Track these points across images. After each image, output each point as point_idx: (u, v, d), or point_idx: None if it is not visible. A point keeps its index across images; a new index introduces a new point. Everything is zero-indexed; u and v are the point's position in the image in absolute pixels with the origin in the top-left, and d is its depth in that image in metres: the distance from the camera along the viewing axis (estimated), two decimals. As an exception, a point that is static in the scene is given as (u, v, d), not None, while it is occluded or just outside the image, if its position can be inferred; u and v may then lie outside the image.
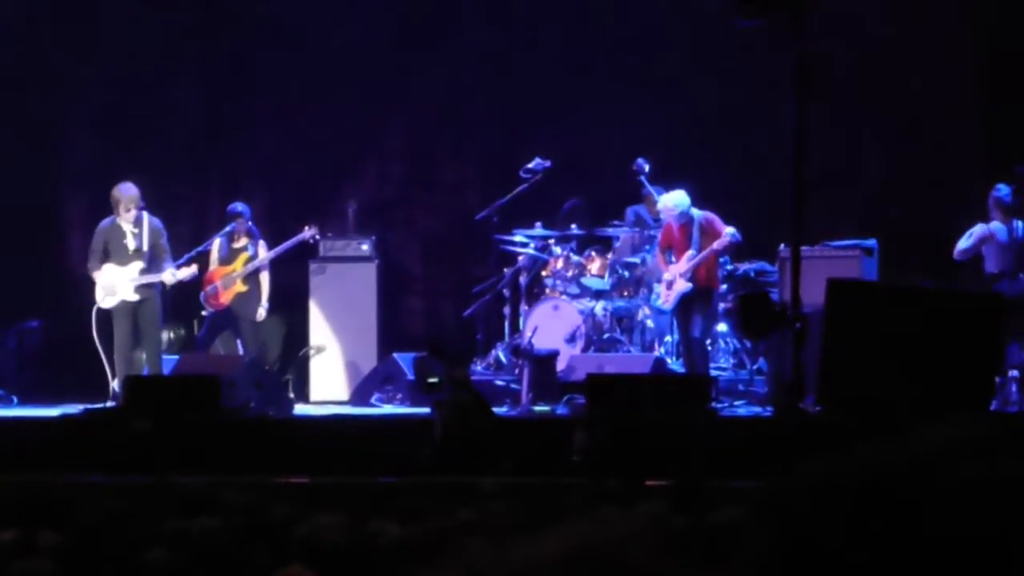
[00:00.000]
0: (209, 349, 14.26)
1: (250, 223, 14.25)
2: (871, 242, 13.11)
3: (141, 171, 14.40)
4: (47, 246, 16.07)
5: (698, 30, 14.55)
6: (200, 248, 14.06)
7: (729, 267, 13.69)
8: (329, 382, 14.91)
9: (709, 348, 13.57)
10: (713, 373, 13.15)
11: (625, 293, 14.23)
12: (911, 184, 14.49)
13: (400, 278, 15.96)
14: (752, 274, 13.73)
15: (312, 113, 16.04)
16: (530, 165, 14.25)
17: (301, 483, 9.35)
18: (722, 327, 13.83)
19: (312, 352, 15.00)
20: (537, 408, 12.58)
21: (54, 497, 5.27)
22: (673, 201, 13.25)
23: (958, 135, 14.45)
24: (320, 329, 15.08)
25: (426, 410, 10.97)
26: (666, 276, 13.29)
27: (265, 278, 14.16)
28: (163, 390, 11.79)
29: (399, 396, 13.78)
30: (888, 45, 14.64)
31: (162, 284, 13.52)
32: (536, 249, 14.41)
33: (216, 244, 14.23)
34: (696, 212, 13.24)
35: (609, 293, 14.18)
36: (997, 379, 11.00)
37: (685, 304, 13.18)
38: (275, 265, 14.30)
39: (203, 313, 14.37)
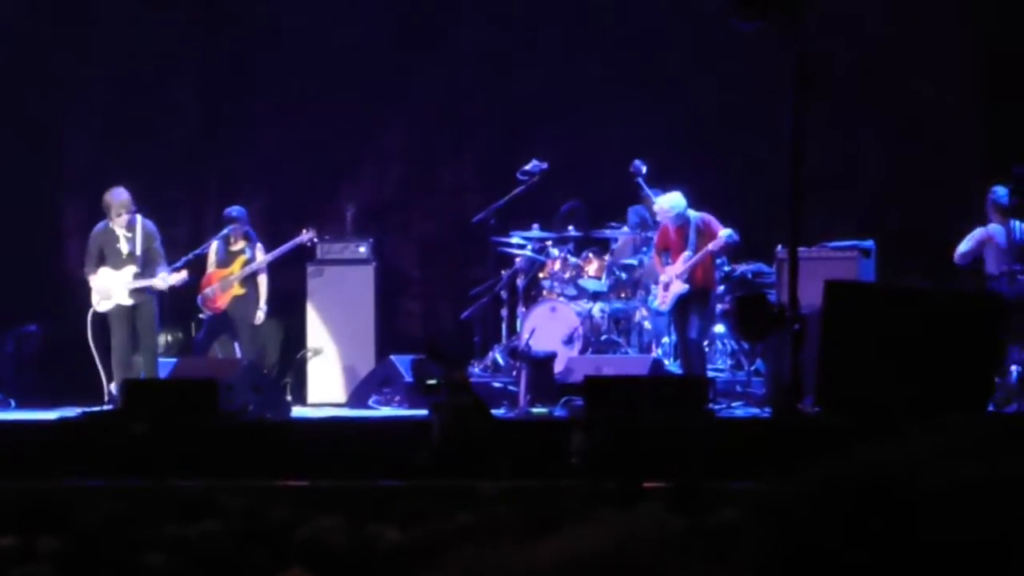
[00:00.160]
0: (207, 352, 14.25)
1: (247, 226, 14.25)
2: (869, 243, 13.11)
3: (139, 173, 14.40)
4: (45, 250, 16.07)
5: (697, 31, 14.54)
6: (198, 251, 14.05)
7: (727, 268, 13.69)
8: (327, 385, 14.90)
9: (707, 349, 13.58)
10: (711, 374, 13.15)
11: (623, 295, 14.23)
12: (909, 185, 14.48)
13: (398, 280, 15.95)
14: (750, 275, 13.73)
15: (310, 114, 16.03)
16: (527, 167, 14.26)
17: (300, 486, 9.34)
18: (720, 328, 13.82)
19: (310, 355, 14.99)
20: (535, 410, 12.57)
21: (52, 501, 5.26)
22: (669, 203, 13.26)
23: (957, 136, 14.44)
24: (318, 332, 15.07)
25: (424, 412, 10.96)
26: (662, 278, 13.30)
27: (263, 281, 14.15)
28: (161, 393, 11.78)
29: (397, 398, 13.78)
30: (888, 45, 14.64)
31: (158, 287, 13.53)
32: (533, 251, 14.41)
33: (214, 247, 14.22)
34: (693, 214, 13.24)
35: (607, 295, 14.18)
36: (996, 379, 11.00)
37: (682, 306, 13.18)
38: (273, 268, 14.29)
39: (201, 316, 14.36)
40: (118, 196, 13.48)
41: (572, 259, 14.29)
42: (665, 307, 13.31)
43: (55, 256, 16.04)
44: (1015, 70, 14.18)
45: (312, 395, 14.84)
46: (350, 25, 15.87)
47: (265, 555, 4.49)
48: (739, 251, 13.51)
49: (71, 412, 12.01)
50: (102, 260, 13.54)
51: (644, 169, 13.89)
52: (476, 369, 14.03)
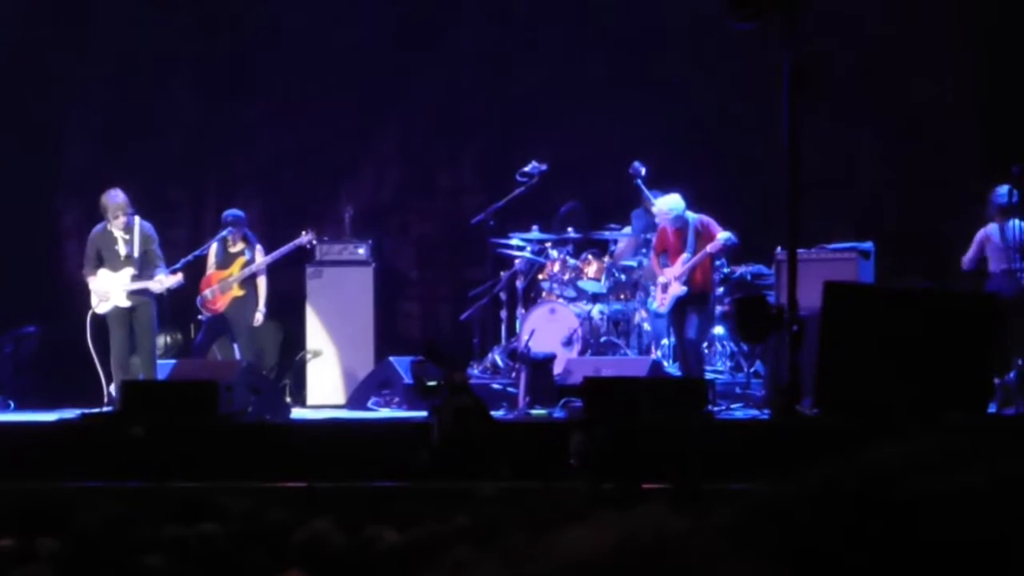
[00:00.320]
0: (206, 354, 14.24)
1: (246, 228, 14.24)
2: (868, 244, 13.10)
3: (137, 174, 14.39)
4: (44, 251, 16.05)
5: (697, 33, 14.54)
6: (197, 252, 14.04)
7: (726, 270, 13.69)
8: (326, 386, 14.90)
9: (706, 351, 13.58)
10: (710, 376, 13.15)
11: (622, 296, 14.23)
12: (908, 186, 14.49)
13: (397, 282, 15.95)
14: (749, 277, 13.73)
15: (309, 115, 16.03)
16: (526, 168, 14.26)
17: (299, 488, 9.34)
18: (719, 330, 13.83)
19: (309, 356, 14.99)
20: (534, 412, 12.56)
21: (52, 503, 5.26)
22: (668, 205, 13.26)
23: (957, 136, 14.44)
24: (317, 333, 15.07)
25: (423, 414, 10.96)
26: (661, 280, 13.29)
27: (262, 283, 14.15)
28: (160, 395, 11.76)
29: (396, 400, 13.78)
30: (887, 45, 14.64)
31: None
32: (533, 252, 14.41)
33: (212, 249, 14.21)
34: (692, 216, 13.23)
35: (606, 296, 14.17)
36: (996, 380, 11.01)
37: (681, 307, 13.17)
38: (272, 270, 14.28)
39: (200, 318, 14.35)
40: (114, 198, 13.46)
41: (571, 261, 14.29)
42: (664, 309, 13.31)
43: (54, 257, 16.03)
44: (1015, 70, 14.19)
45: (311, 397, 14.84)
46: (350, 25, 15.87)
47: (264, 556, 4.49)
48: (738, 253, 13.51)
49: (70, 414, 12.01)
50: (100, 262, 13.53)
51: (643, 171, 13.89)
52: (475, 371, 14.02)
